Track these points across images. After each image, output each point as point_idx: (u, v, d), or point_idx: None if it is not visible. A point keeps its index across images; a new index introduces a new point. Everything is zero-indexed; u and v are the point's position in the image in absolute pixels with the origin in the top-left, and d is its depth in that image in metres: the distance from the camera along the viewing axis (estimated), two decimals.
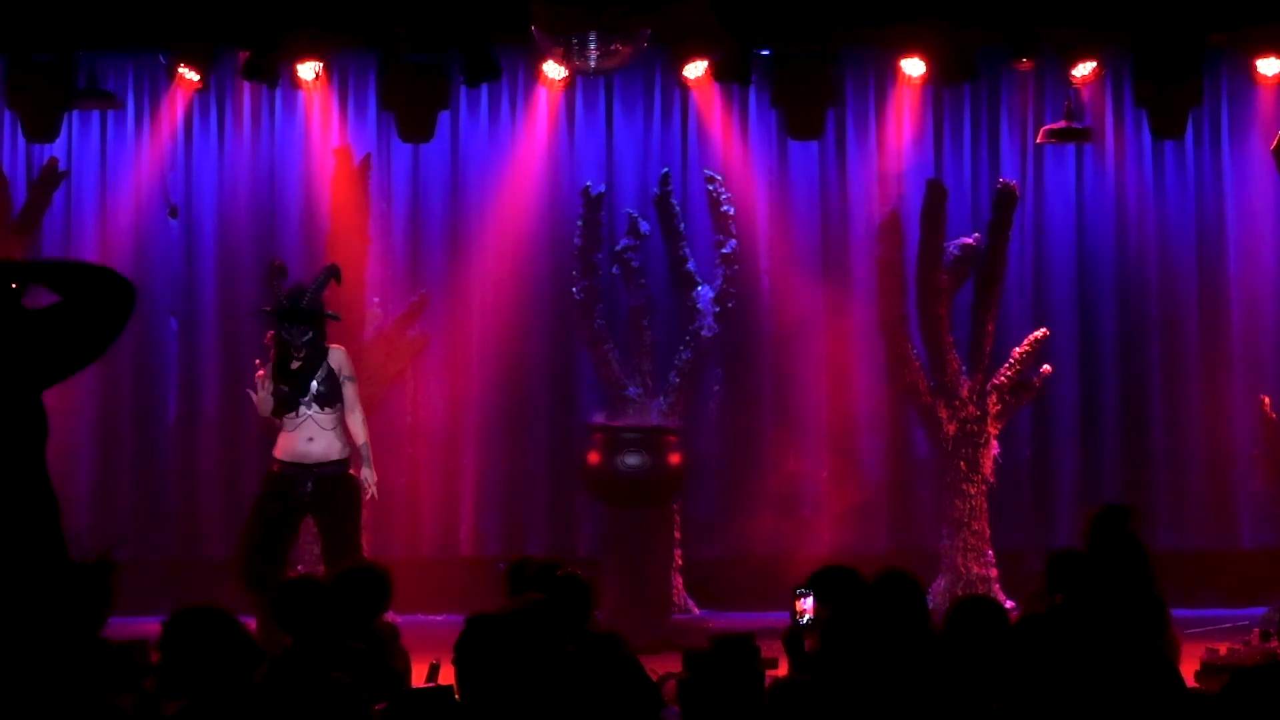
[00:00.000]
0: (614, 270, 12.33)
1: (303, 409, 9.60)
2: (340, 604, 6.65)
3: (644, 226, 12.25)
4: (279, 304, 9.70)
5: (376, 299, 12.47)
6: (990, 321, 12.13)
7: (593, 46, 10.21)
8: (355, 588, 6.74)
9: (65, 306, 4.18)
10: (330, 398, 9.62)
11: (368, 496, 9.73)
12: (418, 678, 7.12)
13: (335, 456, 9.60)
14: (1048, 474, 12.86)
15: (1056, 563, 6.85)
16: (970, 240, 12.15)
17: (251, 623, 8.05)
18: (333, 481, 9.59)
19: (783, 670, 7.08)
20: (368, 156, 12.52)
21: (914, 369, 12.11)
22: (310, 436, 9.58)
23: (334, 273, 9.88)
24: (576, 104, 12.96)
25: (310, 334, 9.58)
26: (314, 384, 9.61)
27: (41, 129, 11.91)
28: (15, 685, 4.08)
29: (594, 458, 11.24)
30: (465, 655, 5.35)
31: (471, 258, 12.85)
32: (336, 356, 9.72)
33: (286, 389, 9.58)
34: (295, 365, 9.57)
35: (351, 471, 9.79)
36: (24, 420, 4.18)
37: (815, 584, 6.27)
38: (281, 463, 9.65)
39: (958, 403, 12.03)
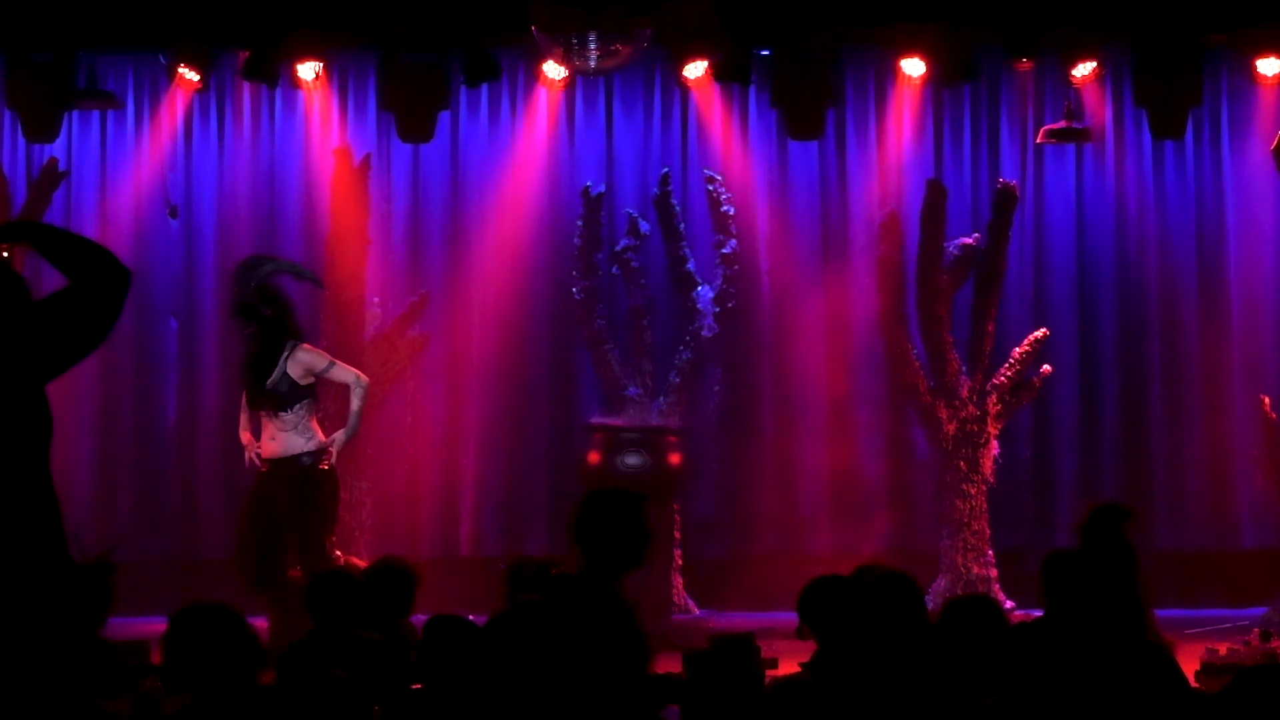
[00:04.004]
0: (614, 270, 12.32)
1: (262, 413, 9.61)
2: (370, 600, 6.69)
3: (644, 226, 12.25)
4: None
5: (376, 299, 12.46)
6: (990, 321, 12.12)
7: (593, 46, 10.21)
8: (386, 585, 6.76)
9: (71, 291, 4.18)
10: (284, 401, 9.53)
11: (329, 460, 9.66)
12: None
13: (296, 451, 9.54)
14: (1048, 474, 12.86)
15: (1052, 564, 6.84)
16: (970, 240, 12.15)
17: (258, 621, 8.07)
18: (298, 477, 9.55)
19: (783, 670, 7.09)
20: (368, 156, 12.51)
21: (914, 369, 12.10)
22: (272, 436, 9.60)
23: (280, 267, 9.89)
24: (576, 104, 12.96)
25: (253, 327, 9.59)
26: (268, 387, 9.55)
27: (41, 129, 11.91)
28: (14, 686, 4.08)
29: (594, 458, 11.24)
30: (425, 658, 5.38)
31: (471, 258, 12.85)
32: (302, 359, 9.60)
33: (244, 390, 9.67)
34: (249, 358, 9.58)
35: (323, 466, 9.70)
36: (29, 417, 4.18)
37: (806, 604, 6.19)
38: (265, 460, 9.71)
39: (958, 403, 12.02)
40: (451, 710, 5.29)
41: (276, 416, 9.56)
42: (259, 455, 9.74)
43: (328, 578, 6.59)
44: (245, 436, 9.88)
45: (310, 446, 9.58)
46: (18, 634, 4.09)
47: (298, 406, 9.56)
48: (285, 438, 9.56)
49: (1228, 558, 12.59)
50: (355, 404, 9.67)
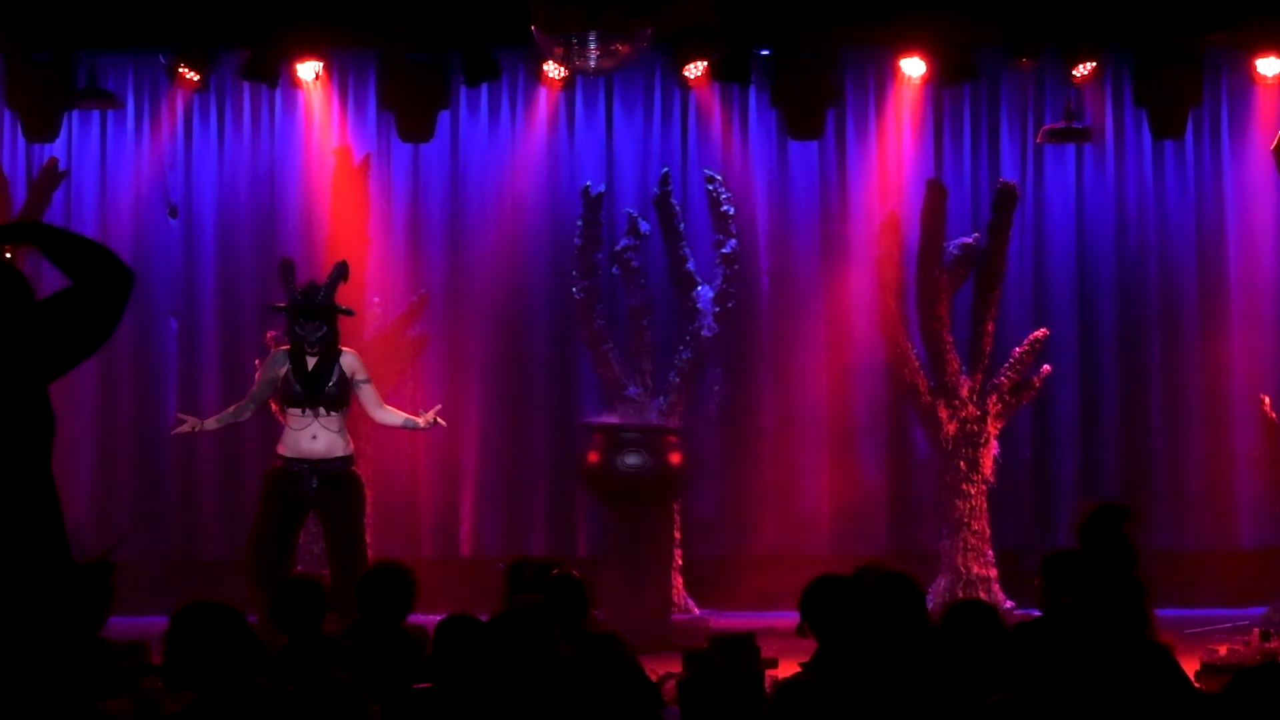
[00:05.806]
0: (614, 270, 12.32)
1: (308, 411, 9.73)
2: (366, 603, 6.66)
3: (644, 226, 12.25)
4: (293, 299, 9.87)
5: (376, 299, 12.46)
6: (990, 321, 12.12)
7: (593, 46, 10.21)
8: (381, 587, 6.74)
9: (73, 292, 4.18)
10: (338, 402, 9.82)
11: (431, 415, 10.04)
12: None
13: (339, 453, 9.77)
14: (1048, 474, 12.86)
15: (1052, 564, 6.84)
16: (970, 240, 12.14)
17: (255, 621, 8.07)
18: (337, 478, 9.74)
19: (783, 670, 7.09)
20: (368, 156, 12.52)
21: (914, 369, 12.10)
22: (314, 435, 9.72)
23: (344, 271, 10.04)
24: (576, 104, 12.96)
25: (324, 329, 9.80)
26: (331, 388, 9.76)
27: (41, 129, 11.92)
28: (14, 686, 4.08)
29: (594, 458, 11.23)
30: (439, 659, 5.38)
31: (471, 258, 12.86)
32: (349, 360, 9.93)
33: (301, 390, 9.75)
34: (311, 362, 9.73)
35: (355, 470, 9.91)
36: (31, 417, 4.18)
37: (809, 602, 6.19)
38: (285, 459, 9.78)
39: (958, 403, 12.02)
40: (461, 710, 5.29)
41: (327, 416, 9.75)
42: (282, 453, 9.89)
43: (293, 586, 6.55)
44: (206, 422, 10.08)
45: (349, 450, 9.90)
46: (18, 634, 4.09)
47: (345, 409, 9.92)
48: (330, 438, 9.79)
49: (1228, 558, 12.58)
50: (400, 415, 10.14)
